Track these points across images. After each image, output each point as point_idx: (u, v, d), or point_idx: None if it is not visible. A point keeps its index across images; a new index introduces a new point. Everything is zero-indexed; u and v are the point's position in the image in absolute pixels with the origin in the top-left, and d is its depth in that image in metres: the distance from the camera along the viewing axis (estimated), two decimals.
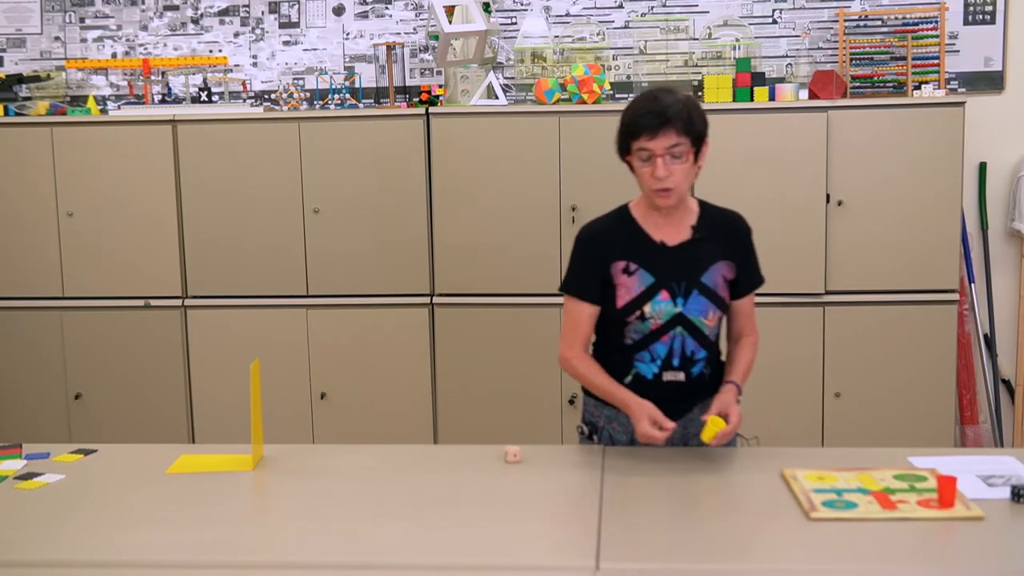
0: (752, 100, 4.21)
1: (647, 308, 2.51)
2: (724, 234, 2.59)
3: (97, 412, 4.50)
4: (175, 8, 4.77)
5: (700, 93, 4.46)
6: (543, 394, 4.32)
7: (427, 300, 4.34)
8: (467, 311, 4.33)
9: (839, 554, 1.98)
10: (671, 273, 2.52)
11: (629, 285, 2.52)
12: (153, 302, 4.44)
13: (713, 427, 2.41)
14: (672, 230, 2.56)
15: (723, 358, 2.68)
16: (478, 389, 4.35)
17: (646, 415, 2.45)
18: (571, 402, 4.30)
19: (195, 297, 4.43)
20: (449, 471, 2.49)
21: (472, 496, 2.31)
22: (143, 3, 4.78)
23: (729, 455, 2.54)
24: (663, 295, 2.51)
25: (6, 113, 4.47)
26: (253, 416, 2.50)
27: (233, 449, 2.63)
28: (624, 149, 2.50)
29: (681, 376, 2.55)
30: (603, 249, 2.55)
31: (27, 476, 2.47)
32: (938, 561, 1.99)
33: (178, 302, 4.43)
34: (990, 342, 4.53)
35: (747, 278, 2.64)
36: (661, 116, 2.40)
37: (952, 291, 4.14)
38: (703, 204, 2.62)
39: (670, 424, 2.44)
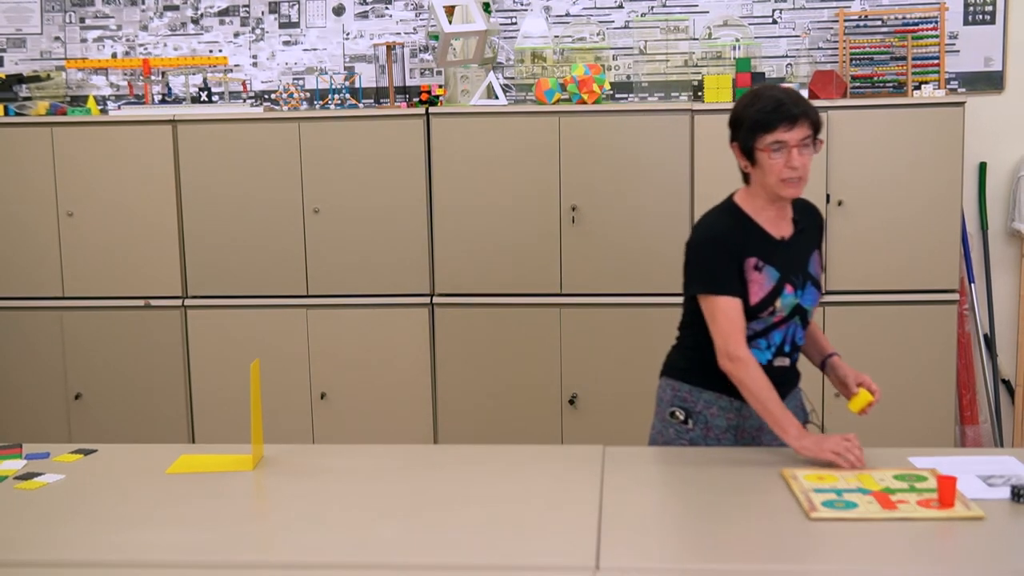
0: None
1: (778, 303, 2.59)
2: (812, 223, 2.73)
3: (97, 412, 4.50)
4: (175, 8, 4.77)
5: (700, 93, 4.46)
6: (543, 394, 4.32)
7: (427, 300, 4.34)
8: (467, 311, 4.33)
9: (839, 554, 1.98)
10: (790, 267, 2.62)
11: (760, 281, 2.58)
12: (153, 302, 4.44)
13: (863, 399, 2.57)
14: (783, 225, 2.65)
15: None
16: (478, 389, 4.35)
17: (839, 440, 2.41)
18: (571, 402, 4.31)
19: (195, 297, 4.43)
20: (449, 471, 2.49)
21: (471, 496, 2.31)
22: (143, 3, 4.78)
23: (729, 455, 2.55)
24: (788, 289, 2.60)
25: (6, 113, 4.47)
26: (253, 416, 2.50)
27: (233, 449, 2.63)
28: (749, 144, 2.54)
29: (787, 362, 2.66)
30: (735, 246, 2.60)
31: (27, 476, 2.48)
32: (938, 561, 1.99)
33: (178, 302, 4.43)
34: (990, 342, 4.53)
35: (820, 264, 2.77)
36: (797, 108, 2.50)
37: (952, 291, 4.14)
38: None
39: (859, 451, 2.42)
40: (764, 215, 2.62)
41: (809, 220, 2.71)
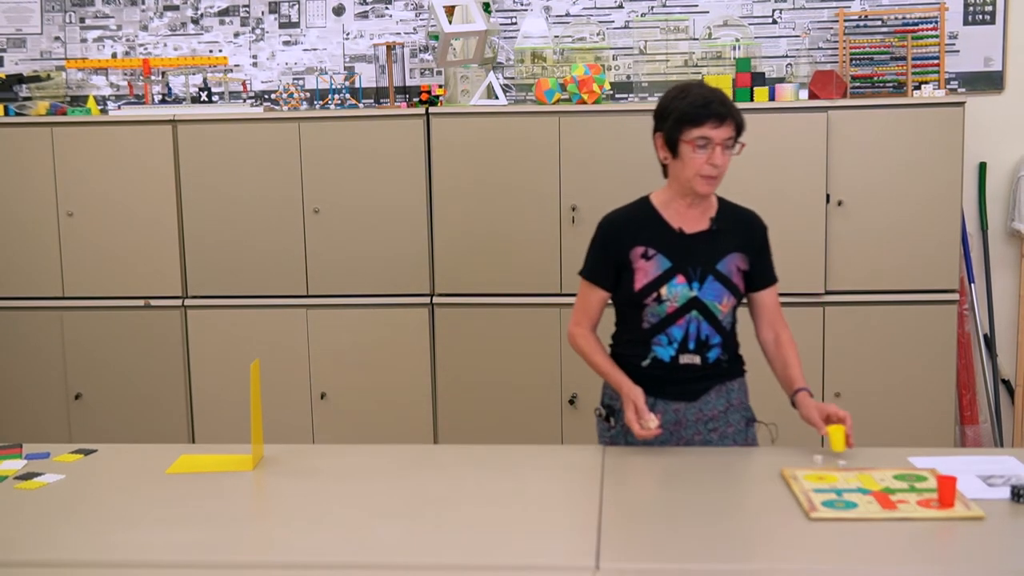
0: (752, 100, 4.21)
1: (663, 291, 2.60)
2: (740, 229, 2.70)
3: (97, 412, 4.51)
4: (175, 8, 4.78)
5: None
6: (543, 394, 4.32)
7: (427, 300, 4.34)
8: (467, 311, 4.33)
9: (839, 554, 1.98)
10: (687, 258, 2.62)
11: (647, 269, 2.62)
12: (153, 302, 4.44)
13: (838, 433, 2.47)
14: (692, 220, 2.66)
15: (739, 349, 2.76)
16: (478, 389, 4.36)
17: (631, 403, 2.56)
18: (571, 402, 4.31)
19: (195, 297, 4.43)
20: (449, 471, 2.49)
21: (472, 496, 2.32)
22: (143, 3, 4.78)
23: (728, 455, 2.55)
24: (679, 279, 2.61)
25: (6, 113, 4.47)
26: (253, 416, 2.50)
27: (233, 449, 2.63)
28: (675, 136, 2.57)
29: (697, 360, 2.64)
30: (622, 236, 2.67)
31: (27, 476, 2.48)
32: (938, 561, 1.99)
33: (178, 302, 4.43)
34: (990, 342, 4.53)
35: (762, 273, 2.73)
36: (726, 107, 2.54)
37: (952, 291, 4.14)
38: (721, 200, 2.73)
39: (651, 420, 2.53)
40: (671, 208, 2.67)
41: (738, 225, 2.70)
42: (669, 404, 2.65)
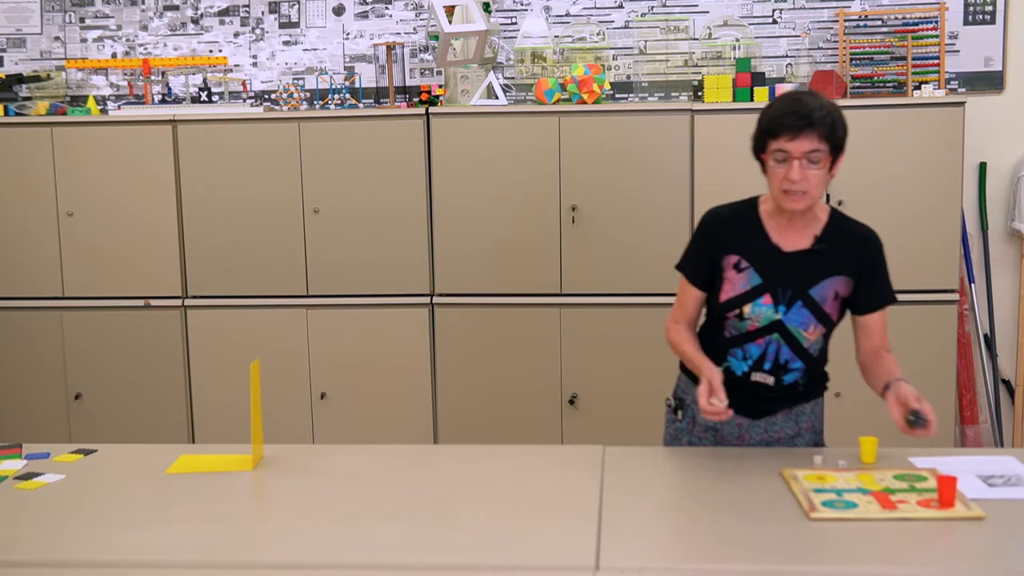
0: (752, 100, 4.20)
1: (747, 308, 2.50)
2: (848, 249, 2.53)
3: (97, 412, 4.50)
4: (175, 8, 4.77)
5: (700, 93, 4.46)
6: (543, 394, 4.32)
7: (427, 300, 4.34)
8: (467, 311, 4.33)
9: (839, 554, 1.98)
10: (779, 279, 2.49)
11: (735, 281, 2.51)
12: (153, 302, 4.44)
13: (869, 445, 2.44)
14: (794, 235, 2.51)
15: (825, 367, 2.69)
16: (478, 389, 4.36)
17: (706, 381, 2.42)
18: (571, 402, 4.31)
19: (195, 297, 4.43)
20: (449, 471, 2.49)
21: (472, 496, 2.32)
22: (143, 3, 4.78)
23: (728, 455, 2.55)
24: (765, 299, 2.49)
25: (6, 113, 4.47)
26: (253, 416, 2.50)
27: (233, 449, 2.63)
28: (760, 147, 2.45)
29: (771, 380, 2.55)
30: (720, 238, 2.54)
31: (27, 476, 2.48)
32: (938, 561, 1.99)
33: (178, 302, 4.43)
34: (990, 342, 4.53)
35: (869, 296, 2.60)
36: (804, 119, 2.35)
37: (952, 291, 4.14)
38: (834, 214, 2.56)
39: (722, 400, 2.39)
40: (774, 220, 2.52)
41: (846, 246, 2.53)
42: (732, 417, 2.54)
